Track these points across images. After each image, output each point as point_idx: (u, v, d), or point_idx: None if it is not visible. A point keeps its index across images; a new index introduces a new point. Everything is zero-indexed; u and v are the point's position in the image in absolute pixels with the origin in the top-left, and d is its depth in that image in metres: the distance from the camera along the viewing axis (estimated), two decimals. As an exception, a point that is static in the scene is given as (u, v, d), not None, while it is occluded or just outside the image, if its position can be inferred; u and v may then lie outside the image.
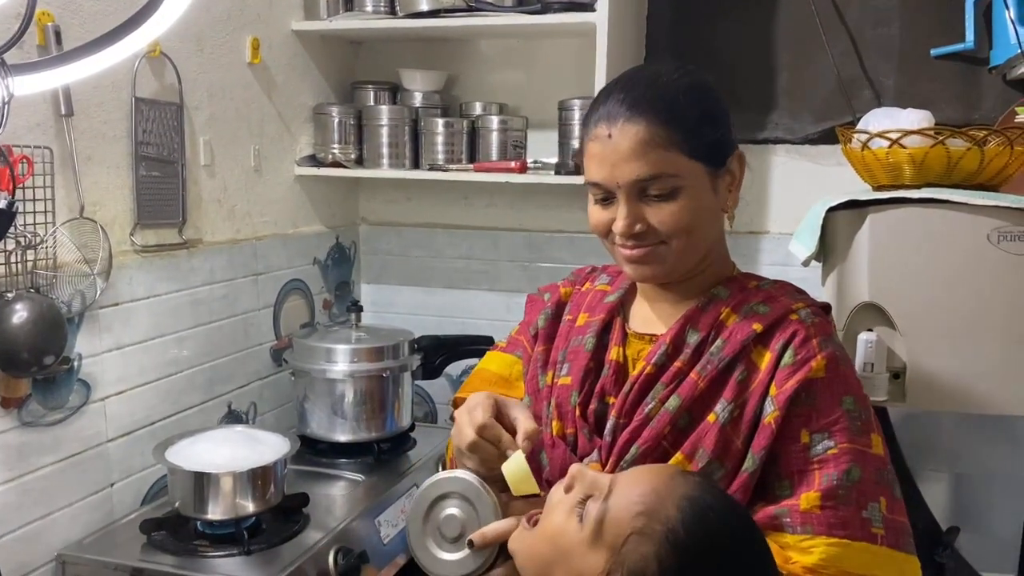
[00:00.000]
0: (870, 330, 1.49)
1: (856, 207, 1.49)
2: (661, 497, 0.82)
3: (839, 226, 1.51)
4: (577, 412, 1.10)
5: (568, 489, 0.89)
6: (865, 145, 1.49)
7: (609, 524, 0.82)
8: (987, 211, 1.40)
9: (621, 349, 1.11)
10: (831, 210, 1.52)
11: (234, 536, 1.47)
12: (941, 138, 1.41)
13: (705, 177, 1.03)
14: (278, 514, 1.55)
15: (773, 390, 1.00)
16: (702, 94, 1.05)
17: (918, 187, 1.46)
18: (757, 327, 1.03)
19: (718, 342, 1.04)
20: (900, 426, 1.51)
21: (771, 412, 0.99)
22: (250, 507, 1.48)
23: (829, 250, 1.54)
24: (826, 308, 1.10)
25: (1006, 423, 1.45)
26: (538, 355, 1.17)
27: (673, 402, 1.03)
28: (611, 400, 1.08)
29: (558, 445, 1.11)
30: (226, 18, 1.80)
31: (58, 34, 1.39)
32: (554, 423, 1.12)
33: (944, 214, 1.42)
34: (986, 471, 1.47)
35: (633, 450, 1.03)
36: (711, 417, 1.02)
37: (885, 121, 1.50)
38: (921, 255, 1.45)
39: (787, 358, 1.01)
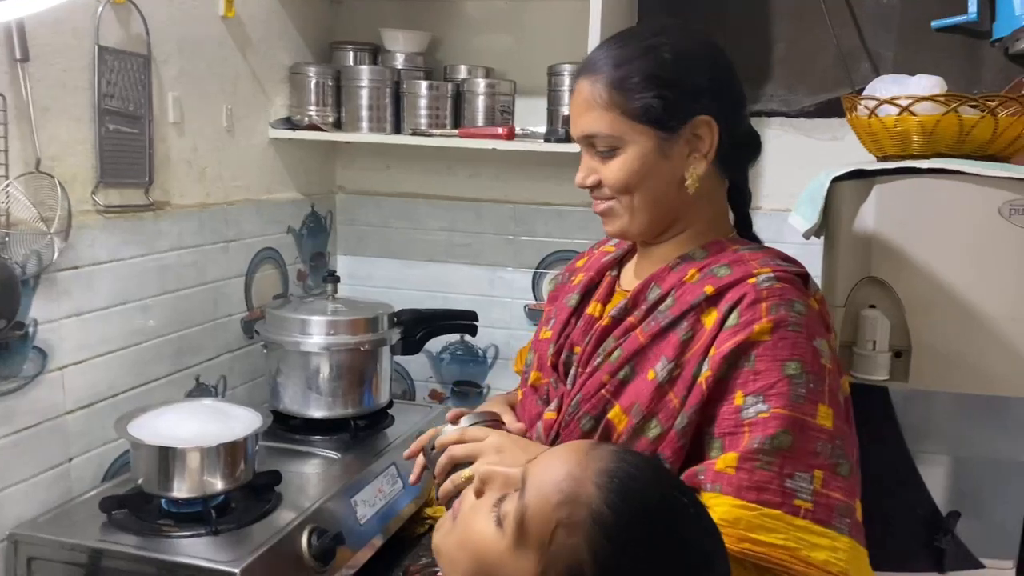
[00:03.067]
0: (873, 306, 1.43)
1: (862, 177, 1.42)
2: (578, 479, 0.75)
3: (843, 197, 1.45)
4: (549, 362, 1.16)
5: (479, 494, 0.82)
6: (872, 112, 1.42)
7: (531, 521, 0.74)
8: (999, 183, 1.34)
9: (600, 304, 1.16)
10: (835, 181, 1.45)
11: (201, 515, 1.38)
12: (953, 105, 1.34)
13: (652, 140, 1.04)
14: (248, 492, 1.46)
15: (712, 350, 0.99)
16: (664, 57, 1.03)
17: (927, 157, 1.40)
18: (708, 289, 1.02)
19: (667, 300, 1.06)
20: (901, 406, 1.46)
21: (704, 372, 0.98)
22: (218, 484, 1.39)
23: (832, 223, 1.48)
24: (803, 276, 1.06)
25: (1012, 405, 1.40)
26: (544, 314, 1.26)
27: (616, 354, 1.05)
28: (578, 350, 1.12)
29: (527, 395, 1.19)
30: (198, -34, 1.69)
31: (13, -30, 1.27)
32: (533, 373, 1.20)
33: (954, 185, 1.36)
34: (989, 455, 1.42)
35: (577, 397, 1.06)
36: (650, 374, 1.02)
37: (893, 88, 1.43)
38: (929, 228, 1.39)
39: (731, 320, 0.99)
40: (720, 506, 0.92)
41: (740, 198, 1.18)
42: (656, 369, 1.02)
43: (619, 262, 1.21)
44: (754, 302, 0.99)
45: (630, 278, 1.17)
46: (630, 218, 1.09)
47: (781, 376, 0.96)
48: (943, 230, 1.38)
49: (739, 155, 1.14)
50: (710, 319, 1.01)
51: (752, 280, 1.01)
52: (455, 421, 1.11)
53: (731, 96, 1.09)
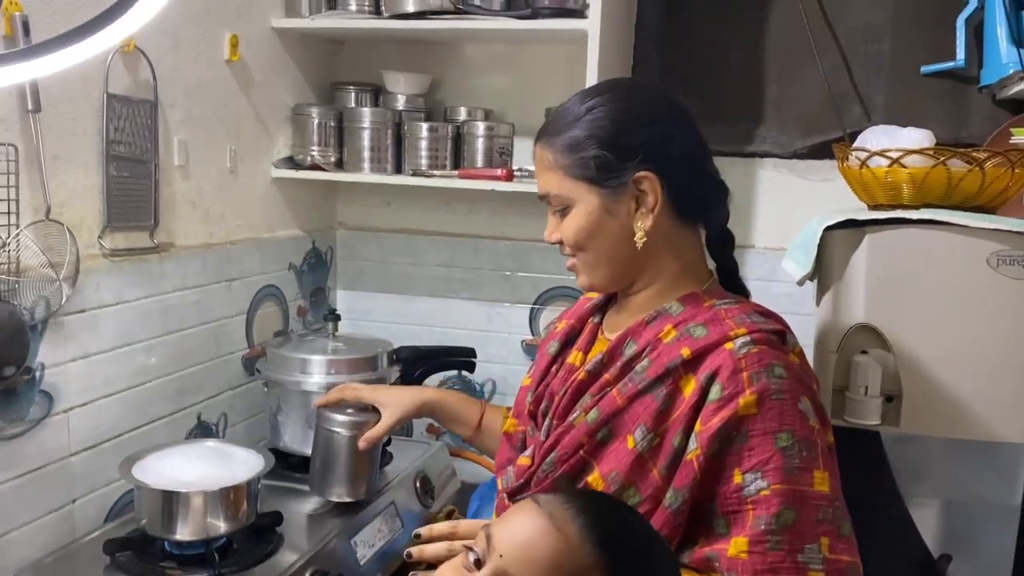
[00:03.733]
0: (865, 352, 1.46)
1: (854, 226, 1.46)
2: (560, 531, 0.83)
3: (836, 245, 1.48)
4: (528, 410, 1.20)
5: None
6: (864, 163, 1.46)
7: None
8: (987, 234, 1.38)
9: (581, 353, 1.18)
10: (827, 229, 1.48)
11: (203, 557, 1.39)
12: (942, 158, 1.38)
13: (596, 198, 1.08)
14: (250, 534, 1.47)
15: (698, 426, 0.99)
16: (600, 118, 1.07)
17: (916, 207, 1.43)
18: (685, 352, 1.03)
19: (644, 361, 1.06)
20: (893, 450, 1.49)
21: (693, 450, 0.99)
22: (221, 527, 1.41)
23: (825, 270, 1.51)
24: (780, 334, 1.06)
25: (1002, 449, 1.43)
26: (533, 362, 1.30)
27: (593, 414, 1.06)
28: (556, 400, 1.14)
29: (502, 443, 1.26)
30: (204, 13, 1.72)
31: (26, 25, 1.30)
32: (508, 420, 1.27)
33: (944, 236, 1.40)
34: (980, 499, 1.45)
35: (552, 455, 1.07)
36: (630, 442, 1.03)
37: (884, 139, 1.47)
38: (919, 277, 1.42)
39: (714, 393, 0.99)
40: None
41: (719, 245, 1.19)
42: (635, 437, 1.03)
43: (602, 308, 1.24)
44: (734, 372, 0.99)
45: (612, 325, 1.18)
46: (590, 273, 1.14)
47: (774, 450, 0.97)
48: (933, 279, 1.42)
49: (701, 203, 1.14)
50: (688, 386, 1.02)
51: (729, 346, 1.01)
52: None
53: (677, 149, 1.09)
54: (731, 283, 1.19)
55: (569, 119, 1.09)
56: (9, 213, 1.31)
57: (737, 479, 0.98)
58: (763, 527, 0.95)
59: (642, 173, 1.06)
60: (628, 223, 1.09)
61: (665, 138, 1.09)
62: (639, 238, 1.08)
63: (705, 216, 1.16)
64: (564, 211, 1.11)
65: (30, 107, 1.34)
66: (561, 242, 1.14)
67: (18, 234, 1.32)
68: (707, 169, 1.16)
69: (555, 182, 1.10)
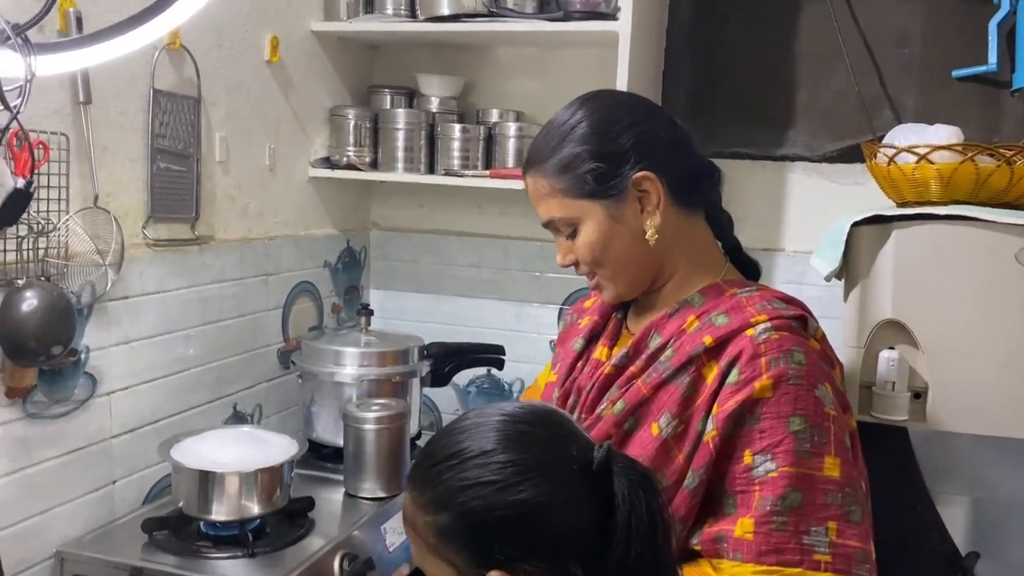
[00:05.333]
0: (892, 348, 1.47)
1: (881, 223, 1.47)
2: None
3: (863, 241, 1.49)
4: (555, 405, 1.18)
5: None
6: (892, 160, 1.47)
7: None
8: (1015, 230, 1.38)
9: (606, 348, 1.19)
10: (855, 225, 1.49)
11: (238, 538, 1.43)
12: (970, 155, 1.39)
13: (601, 210, 1.09)
14: (283, 517, 1.51)
15: (715, 409, 1.01)
16: (583, 133, 1.09)
17: (944, 204, 1.44)
18: (707, 340, 1.04)
19: (668, 351, 1.07)
20: (920, 446, 1.49)
21: (710, 431, 1.01)
22: (255, 509, 1.45)
23: (852, 266, 1.52)
24: (801, 319, 1.07)
25: (1030, 447, 1.42)
26: (553, 358, 1.30)
27: (619, 405, 1.07)
28: (583, 395, 1.15)
29: None
30: (246, 14, 1.78)
31: (79, 20, 1.37)
32: None
33: (971, 232, 1.41)
34: (1008, 496, 1.44)
35: None
36: (655, 429, 1.04)
37: (912, 136, 1.48)
38: (946, 273, 1.43)
39: (732, 376, 1.01)
40: (743, 574, 0.96)
41: (719, 225, 1.20)
42: (660, 424, 1.05)
43: (624, 303, 1.23)
44: (753, 357, 1.01)
45: (635, 319, 1.20)
46: (614, 285, 1.14)
47: (786, 433, 0.98)
48: (960, 275, 1.42)
49: (698, 188, 1.15)
50: (711, 373, 1.04)
51: (750, 332, 1.03)
52: None
53: (663, 142, 1.11)
54: (739, 258, 1.20)
55: (552, 143, 1.10)
56: (60, 199, 1.37)
57: (747, 460, 0.99)
58: (768, 508, 0.97)
59: (640, 174, 1.08)
60: (637, 225, 1.10)
61: (650, 135, 1.10)
62: (651, 236, 1.10)
63: (704, 199, 1.17)
64: (572, 232, 1.12)
65: (81, 99, 1.40)
66: (576, 263, 1.14)
67: (68, 219, 1.38)
68: (695, 153, 1.17)
69: (557, 206, 1.10)
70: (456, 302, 2.29)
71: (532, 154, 1.13)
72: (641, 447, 1.05)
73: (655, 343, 1.10)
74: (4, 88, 0.98)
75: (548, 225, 1.14)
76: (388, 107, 2.12)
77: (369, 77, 2.24)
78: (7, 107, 0.98)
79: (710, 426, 1.01)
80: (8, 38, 0.97)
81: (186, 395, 1.69)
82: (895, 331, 1.46)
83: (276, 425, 1.96)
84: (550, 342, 2.22)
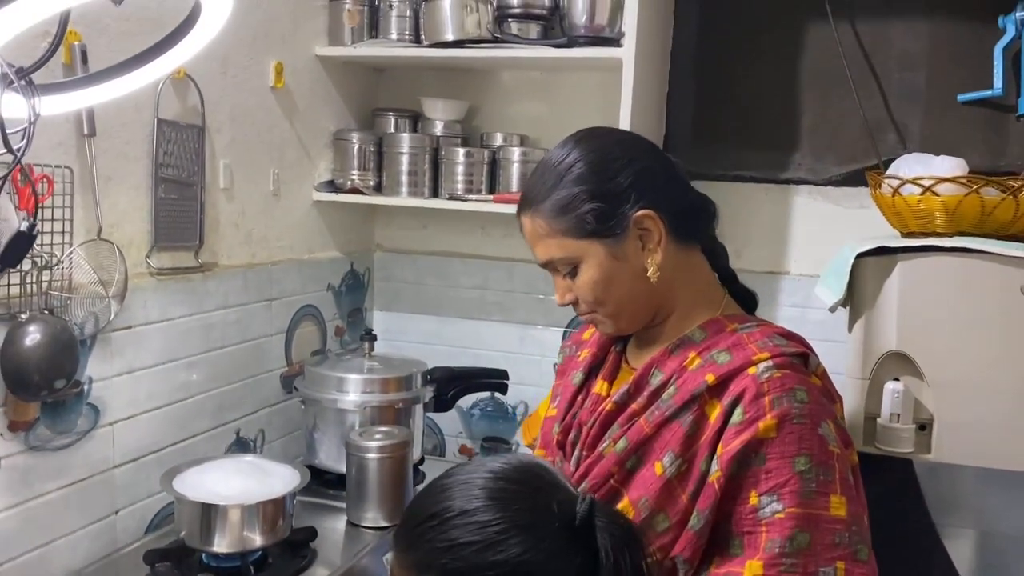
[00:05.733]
0: (897, 379, 1.46)
1: (886, 253, 1.46)
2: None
3: (868, 272, 1.49)
4: (556, 441, 1.20)
5: None
6: (896, 191, 1.47)
7: None
8: (1021, 262, 1.37)
9: (606, 383, 1.18)
10: (860, 256, 1.49)
11: (239, 570, 1.43)
12: (975, 187, 1.39)
13: (601, 249, 1.08)
14: (285, 548, 1.51)
15: (719, 449, 1.01)
16: (581, 173, 1.08)
17: (950, 235, 1.43)
18: (710, 378, 1.04)
19: (670, 389, 1.07)
20: (925, 479, 1.48)
21: (715, 472, 1.00)
22: (257, 540, 1.44)
23: (857, 296, 1.52)
24: (802, 356, 1.07)
25: (1036, 481, 1.41)
26: (553, 390, 1.29)
27: (622, 443, 1.07)
28: (584, 431, 1.14)
29: None
30: (251, 41, 1.79)
31: (84, 54, 1.37)
32: (538, 451, 1.26)
33: (976, 264, 1.40)
34: (1014, 530, 1.43)
35: (583, 485, 1.07)
36: (658, 468, 1.04)
37: (917, 167, 1.48)
38: (951, 305, 1.42)
39: (736, 416, 1.01)
40: None
41: (715, 256, 1.20)
42: (664, 463, 1.04)
43: (623, 336, 1.22)
44: (756, 396, 1.00)
45: (635, 354, 1.19)
46: (615, 322, 1.14)
47: (792, 473, 0.98)
48: (966, 307, 1.42)
49: (696, 223, 1.16)
50: (714, 412, 1.03)
51: (752, 371, 1.02)
52: None
53: (659, 179, 1.11)
54: (736, 289, 1.20)
55: (549, 183, 1.09)
56: (63, 232, 1.37)
57: (753, 500, 0.99)
58: (777, 550, 0.96)
59: (641, 212, 1.07)
60: (639, 263, 1.09)
61: (648, 172, 1.10)
62: (652, 273, 1.09)
63: (702, 234, 1.17)
64: (572, 271, 1.11)
65: (86, 131, 1.40)
66: (576, 302, 1.13)
67: (71, 252, 1.38)
68: (691, 188, 1.17)
69: (556, 247, 1.09)
70: (460, 324, 2.29)
71: (528, 195, 1.12)
72: (644, 486, 1.04)
73: (657, 380, 1.09)
74: (8, 131, 0.98)
75: (546, 265, 1.13)
76: (392, 131, 2.13)
77: (373, 101, 2.24)
78: (10, 150, 0.98)
79: (714, 467, 1.01)
80: (12, 82, 0.97)
81: (188, 423, 1.69)
82: (900, 363, 1.46)
83: (278, 451, 1.96)
84: (554, 365, 2.19)
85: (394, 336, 2.32)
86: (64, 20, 1.00)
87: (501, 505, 0.80)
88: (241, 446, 1.84)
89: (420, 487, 1.85)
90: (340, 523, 1.68)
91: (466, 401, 2.22)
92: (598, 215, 1.07)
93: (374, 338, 1.93)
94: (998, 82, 1.84)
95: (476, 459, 0.92)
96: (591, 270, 1.09)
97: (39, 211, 1.30)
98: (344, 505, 1.69)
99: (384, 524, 1.64)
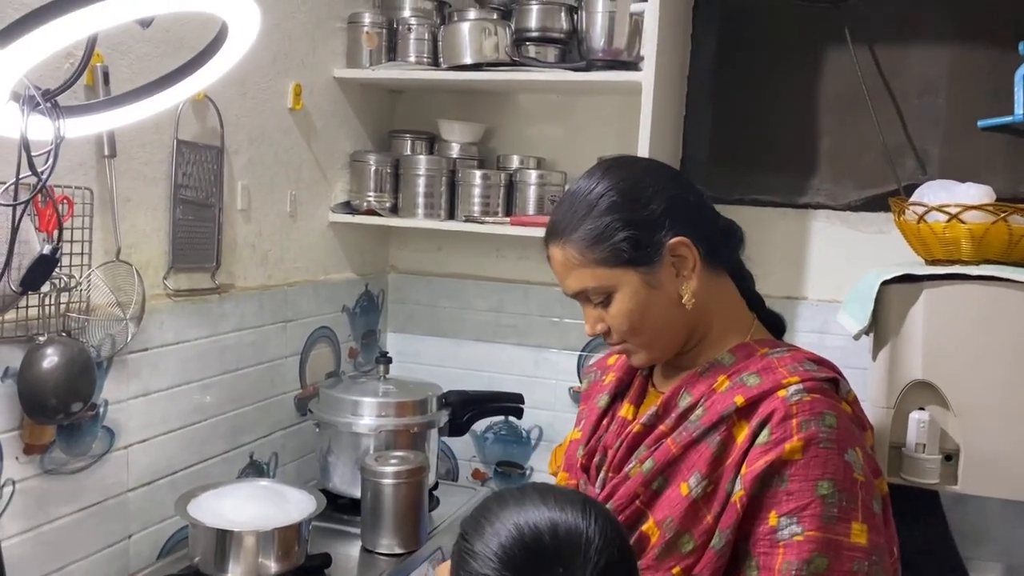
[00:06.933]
0: (922, 409, 1.44)
1: (911, 281, 1.45)
2: None
3: (892, 299, 1.47)
4: (580, 464, 1.19)
5: None
6: (921, 218, 1.45)
7: None
8: (1049, 292, 1.36)
9: (632, 406, 1.18)
10: (884, 283, 1.47)
11: (254, 597, 1.41)
12: (1003, 215, 1.37)
13: (636, 277, 1.07)
14: (299, 575, 1.49)
15: (744, 468, 1.00)
16: (615, 201, 1.08)
17: (976, 263, 1.42)
18: (739, 400, 1.03)
19: (698, 410, 1.06)
20: (952, 510, 1.45)
21: (738, 491, 1.00)
22: (272, 567, 1.42)
23: (881, 324, 1.50)
24: (833, 381, 1.06)
25: (1066, 514, 1.38)
26: (578, 415, 1.29)
27: (648, 464, 1.06)
28: (609, 453, 1.14)
29: None
30: (271, 63, 1.79)
31: (106, 75, 1.37)
32: (561, 475, 1.24)
33: (1003, 292, 1.38)
34: (1043, 563, 1.40)
35: (608, 506, 1.06)
36: (684, 489, 1.03)
37: (942, 194, 1.46)
38: (978, 333, 1.40)
39: (763, 437, 1.00)
40: None
41: (743, 280, 1.19)
42: (690, 484, 1.03)
43: None
44: (784, 418, 1.00)
45: (663, 378, 1.19)
46: (648, 351, 1.13)
47: (814, 497, 0.97)
48: (993, 336, 1.40)
49: (727, 248, 1.16)
50: (741, 433, 1.03)
51: (782, 393, 1.02)
52: None
53: (691, 205, 1.11)
54: (764, 314, 1.20)
55: (581, 212, 1.08)
56: (83, 254, 1.36)
57: (772, 521, 0.98)
58: (794, 572, 0.95)
59: (676, 239, 1.07)
60: (673, 291, 1.09)
61: (679, 199, 1.10)
62: (687, 300, 1.09)
63: (732, 259, 1.17)
64: (607, 300, 1.10)
65: (107, 153, 1.40)
66: (608, 332, 1.12)
67: (90, 274, 1.37)
68: (717, 214, 1.17)
69: (590, 277, 1.09)
70: (474, 347, 2.27)
71: (557, 225, 1.11)
72: (670, 507, 1.04)
73: (685, 402, 1.09)
74: (33, 153, 0.98)
75: (578, 296, 1.12)
76: (409, 152, 2.12)
77: (390, 122, 2.24)
78: (35, 173, 0.97)
79: (738, 486, 1.00)
80: (38, 104, 0.97)
81: (202, 446, 1.67)
82: (926, 392, 1.44)
83: (292, 474, 1.94)
84: (569, 388, 2.20)
85: (408, 358, 2.30)
86: (91, 43, 1.00)
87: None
88: (255, 469, 1.83)
89: (434, 512, 1.85)
90: (354, 549, 1.66)
91: (480, 425, 2.20)
92: (633, 243, 1.07)
93: (389, 361, 1.91)
94: (1019, 108, 1.83)
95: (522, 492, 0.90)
96: (626, 299, 1.08)
97: (60, 232, 1.29)
98: (358, 531, 1.67)
99: (399, 551, 1.62)
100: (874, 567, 0.97)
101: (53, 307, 1.32)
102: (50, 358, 1.28)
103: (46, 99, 0.98)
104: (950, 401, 1.41)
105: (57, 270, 1.29)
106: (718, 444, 1.03)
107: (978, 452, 1.40)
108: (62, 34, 0.87)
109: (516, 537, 0.84)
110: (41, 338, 1.29)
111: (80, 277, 1.35)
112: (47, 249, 1.03)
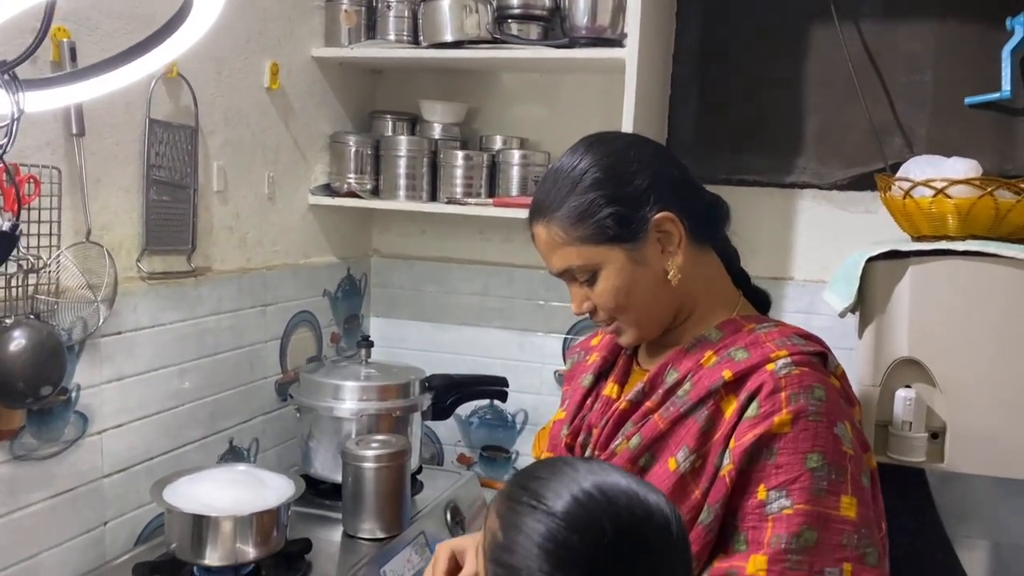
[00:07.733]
0: (909, 386, 1.42)
1: (897, 257, 1.43)
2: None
3: (878, 276, 1.45)
4: (564, 443, 1.18)
5: None
6: (907, 193, 1.43)
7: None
8: (1036, 266, 1.34)
9: (617, 385, 1.17)
10: (870, 260, 1.45)
11: (232, 583, 1.38)
12: (989, 189, 1.35)
13: (621, 254, 1.07)
14: (279, 560, 1.46)
15: (732, 442, 0.99)
16: (598, 178, 1.06)
17: (962, 239, 1.40)
18: (727, 374, 1.03)
19: (686, 385, 1.05)
20: (938, 488, 1.44)
21: (727, 465, 0.99)
22: (251, 553, 1.40)
23: (867, 301, 1.48)
24: (821, 356, 1.06)
25: (1053, 491, 1.37)
26: (562, 396, 1.28)
27: (635, 440, 1.05)
28: (595, 432, 1.13)
29: None
30: (246, 41, 1.75)
31: (73, 51, 1.33)
32: (545, 455, 1.22)
33: (990, 268, 1.37)
34: (1030, 541, 1.39)
35: None
36: (671, 463, 1.02)
37: (928, 169, 1.44)
38: (965, 310, 1.39)
39: (751, 410, 0.99)
40: None
41: (728, 257, 1.18)
42: (678, 459, 1.02)
43: None
44: (773, 392, 0.99)
45: (647, 355, 1.18)
46: (636, 329, 1.12)
47: (803, 470, 0.96)
48: (979, 312, 1.38)
49: (712, 224, 1.15)
50: (729, 407, 1.02)
51: (770, 367, 1.01)
52: None
53: (676, 180, 1.10)
54: (749, 290, 1.19)
55: (564, 190, 1.07)
56: (51, 235, 1.33)
57: (761, 495, 0.97)
58: (783, 546, 0.94)
59: (661, 215, 1.06)
60: (659, 267, 1.08)
61: (663, 174, 1.09)
62: (673, 276, 1.08)
63: (718, 234, 1.16)
64: (592, 278, 1.09)
65: (74, 131, 1.36)
66: (594, 310, 1.12)
67: (59, 255, 1.34)
68: (702, 189, 1.16)
69: (575, 254, 1.08)
70: (458, 331, 2.25)
71: (541, 203, 1.10)
72: (657, 483, 1.02)
73: (672, 378, 1.08)
74: (-10, 127, 0.95)
75: (563, 274, 1.11)
76: (390, 133, 2.09)
77: (371, 103, 2.20)
78: (-8, 147, 0.94)
79: (727, 460, 1.00)
80: (-5, 75, 0.94)
81: (181, 431, 1.65)
82: (912, 369, 1.42)
83: (273, 460, 1.91)
84: (554, 372, 2.18)
85: (391, 343, 2.28)
86: (50, 9, 0.97)
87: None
88: (234, 455, 1.80)
89: (418, 497, 1.82)
90: (336, 534, 1.64)
91: (464, 409, 2.18)
92: (618, 220, 1.05)
93: (371, 345, 1.89)
94: (1006, 85, 1.81)
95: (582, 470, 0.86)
96: (612, 276, 1.07)
97: (26, 212, 1.26)
98: (340, 516, 1.65)
99: (381, 535, 1.60)
100: (863, 540, 0.96)
101: (20, 289, 1.28)
102: (17, 340, 1.24)
103: (3, 71, 0.94)
104: (936, 378, 1.40)
105: (24, 250, 1.26)
106: (706, 419, 1.02)
107: (964, 429, 1.39)
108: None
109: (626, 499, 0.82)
110: (8, 320, 1.26)
111: (48, 258, 1.32)
112: (6, 226, 1.00)
